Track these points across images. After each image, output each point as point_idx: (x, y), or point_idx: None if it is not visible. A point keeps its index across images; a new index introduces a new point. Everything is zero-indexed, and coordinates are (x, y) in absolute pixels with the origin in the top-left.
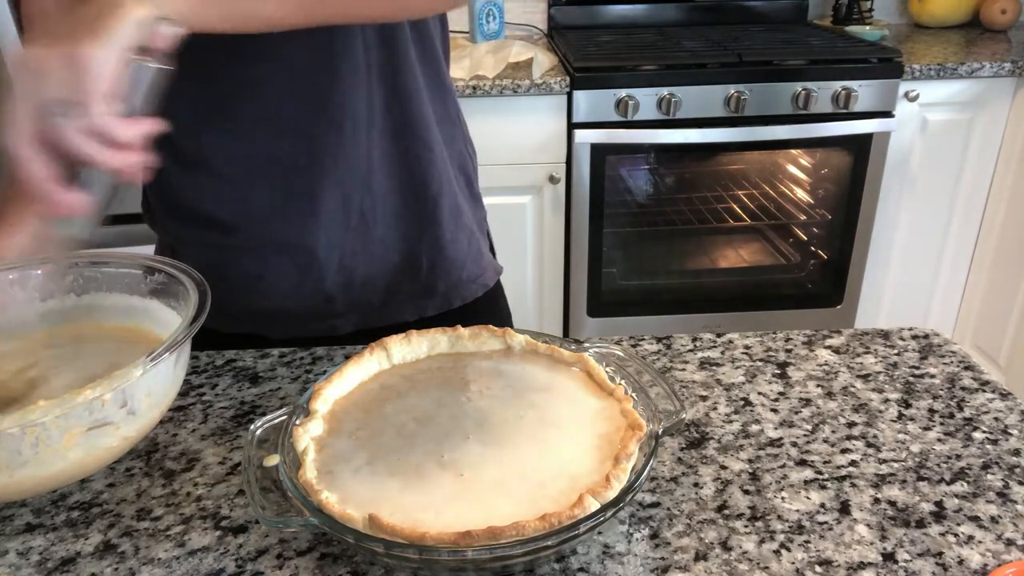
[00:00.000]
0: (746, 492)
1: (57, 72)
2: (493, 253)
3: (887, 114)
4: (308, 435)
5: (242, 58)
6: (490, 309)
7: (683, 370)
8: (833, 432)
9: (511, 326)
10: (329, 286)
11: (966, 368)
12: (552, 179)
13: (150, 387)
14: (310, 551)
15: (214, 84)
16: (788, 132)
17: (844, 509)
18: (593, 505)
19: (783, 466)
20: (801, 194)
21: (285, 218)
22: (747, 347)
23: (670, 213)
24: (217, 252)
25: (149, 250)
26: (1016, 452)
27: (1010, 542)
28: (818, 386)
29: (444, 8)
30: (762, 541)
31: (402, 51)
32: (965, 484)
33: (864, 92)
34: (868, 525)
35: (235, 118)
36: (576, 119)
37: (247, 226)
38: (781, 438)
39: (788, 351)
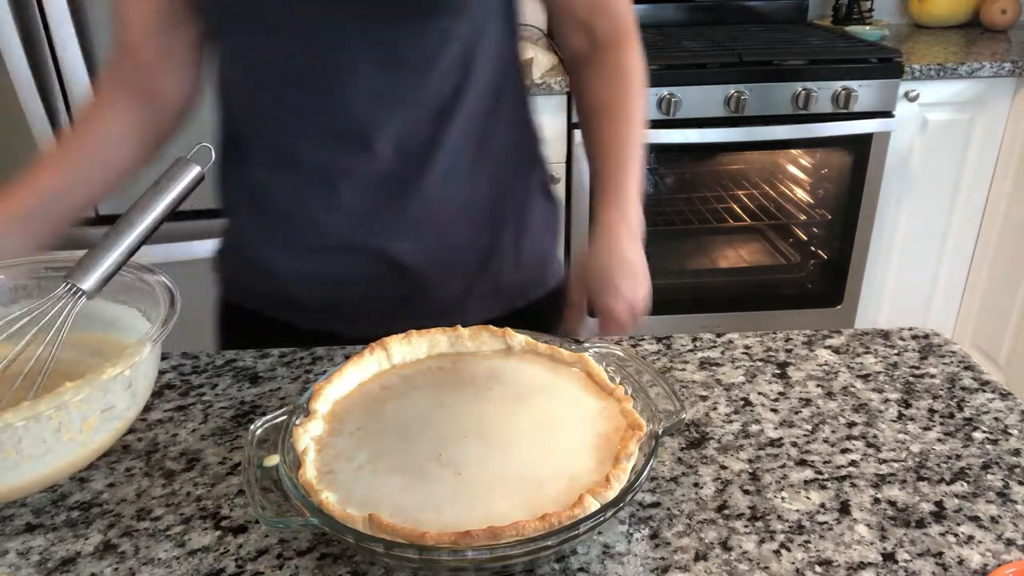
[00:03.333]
0: (746, 492)
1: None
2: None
3: (887, 114)
4: (308, 435)
5: (349, 103)
6: (551, 308)
7: (683, 370)
8: (833, 432)
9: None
10: (406, 289)
11: (966, 368)
12: (552, 179)
13: (146, 369)
14: (310, 551)
15: (325, 107)
16: (788, 132)
17: (844, 509)
18: (593, 505)
19: (783, 466)
20: (801, 194)
21: (372, 224)
22: (747, 347)
23: (670, 213)
24: (301, 251)
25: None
26: (1016, 452)
27: (1010, 542)
28: (818, 386)
29: None
30: (762, 541)
31: (503, 100)
32: (965, 484)
33: (864, 92)
34: (868, 525)
35: (332, 133)
36: (576, 119)
37: (334, 229)
38: (781, 438)
39: (788, 351)
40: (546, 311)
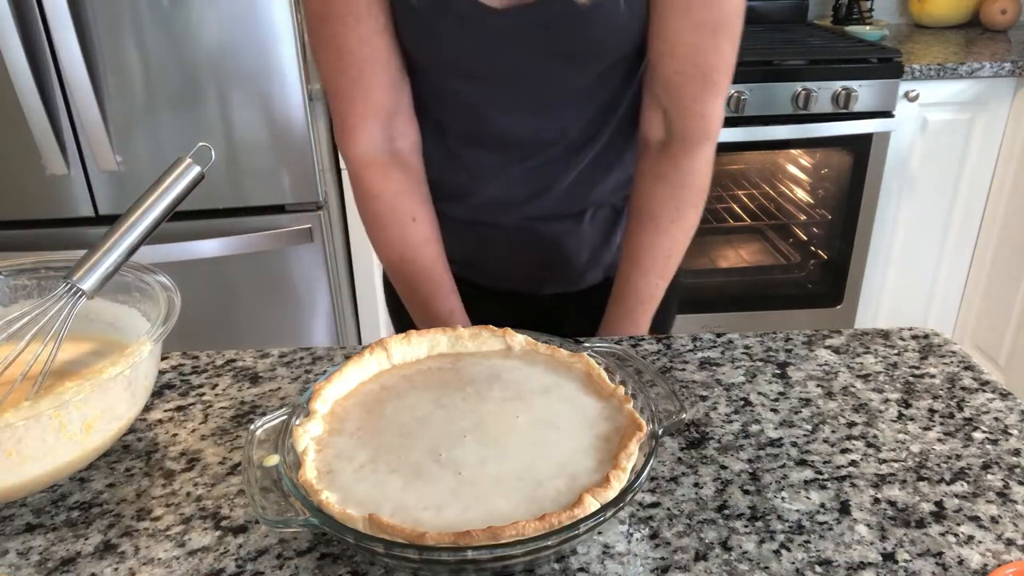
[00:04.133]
0: (746, 492)
1: None
2: None
3: (887, 114)
4: (308, 435)
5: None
6: None
7: (683, 370)
8: (833, 432)
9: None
10: (543, 256)
11: (966, 368)
12: None
13: (146, 369)
14: (310, 551)
15: (497, 127)
16: (788, 132)
17: (844, 509)
18: (593, 505)
19: (783, 466)
20: (801, 194)
21: (517, 209)
22: (747, 347)
23: None
24: (458, 219)
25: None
26: (1016, 452)
27: (1010, 542)
28: (818, 386)
29: None
30: (762, 541)
31: (636, 117)
32: (965, 484)
33: (864, 92)
34: (868, 525)
35: (499, 144)
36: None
37: (487, 209)
38: (781, 438)
39: (788, 351)
40: None
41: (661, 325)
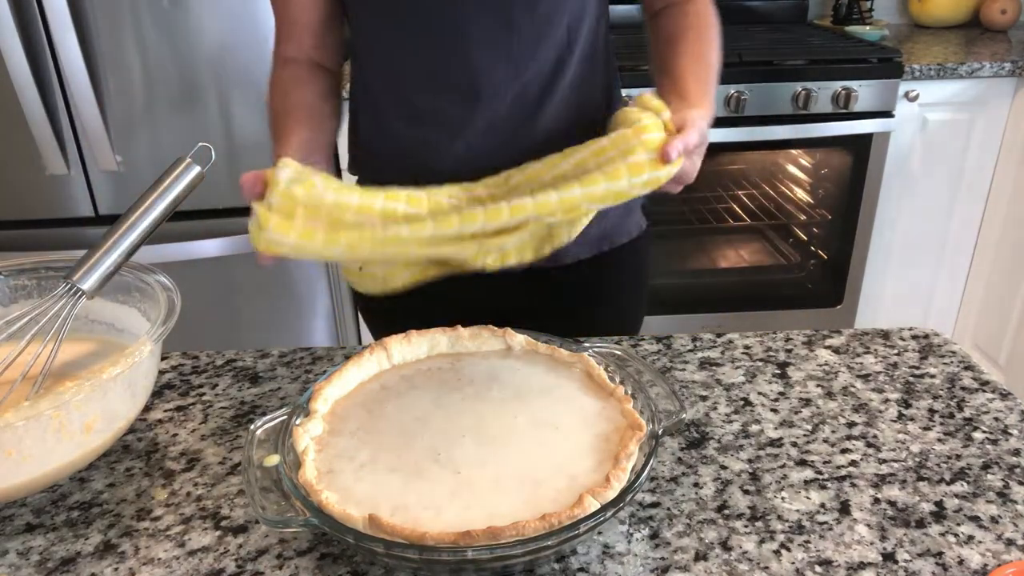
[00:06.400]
0: (746, 492)
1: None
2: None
3: (887, 114)
4: (308, 435)
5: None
6: (632, 256)
7: (683, 370)
8: (833, 432)
9: (647, 278)
10: None
11: (966, 368)
12: None
13: (146, 369)
14: (310, 551)
15: (451, 68)
16: (788, 132)
17: (844, 509)
18: (593, 505)
19: (783, 466)
20: (801, 194)
21: (484, 167)
22: (747, 347)
23: (670, 213)
24: (419, 181)
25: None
26: (1016, 452)
27: (1010, 542)
28: (818, 386)
29: None
30: (762, 541)
31: (598, 58)
32: (965, 484)
33: (864, 92)
34: (868, 525)
35: (456, 90)
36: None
37: (448, 168)
38: (781, 438)
39: (788, 351)
40: (626, 257)
41: (632, 324)
